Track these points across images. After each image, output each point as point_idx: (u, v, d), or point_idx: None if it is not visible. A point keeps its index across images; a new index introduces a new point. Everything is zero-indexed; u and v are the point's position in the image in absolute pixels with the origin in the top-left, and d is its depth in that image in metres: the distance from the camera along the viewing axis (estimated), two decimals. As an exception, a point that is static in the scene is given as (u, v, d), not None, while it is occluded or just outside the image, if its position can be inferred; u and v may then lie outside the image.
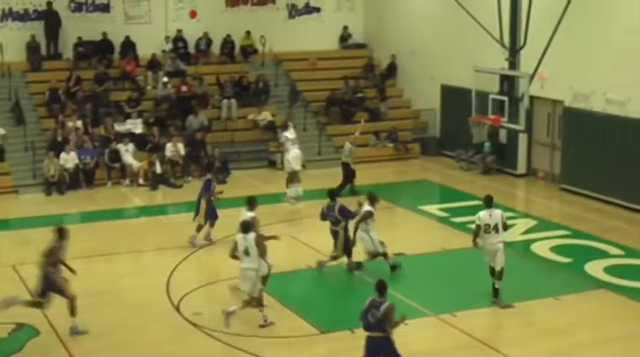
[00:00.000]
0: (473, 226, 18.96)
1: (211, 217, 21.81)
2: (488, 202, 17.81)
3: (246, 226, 16.56)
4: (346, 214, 19.44)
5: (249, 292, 16.41)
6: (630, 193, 24.72)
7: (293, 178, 25.69)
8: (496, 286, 17.68)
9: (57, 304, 18.00)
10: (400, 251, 20.37)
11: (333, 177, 29.05)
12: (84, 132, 28.99)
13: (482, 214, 17.61)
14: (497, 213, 17.68)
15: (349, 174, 26.76)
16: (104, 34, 32.47)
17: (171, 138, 28.83)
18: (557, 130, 27.92)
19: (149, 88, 32.14)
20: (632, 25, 24.51)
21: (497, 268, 17.61)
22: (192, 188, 27.54)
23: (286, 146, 26.29)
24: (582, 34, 25.79)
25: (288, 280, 19.67)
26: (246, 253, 16.37)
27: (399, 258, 19.80)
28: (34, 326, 16.58)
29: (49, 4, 31.97)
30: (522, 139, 27.95)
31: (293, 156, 25.80)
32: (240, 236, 16.55)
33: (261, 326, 16.42)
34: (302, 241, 21.78)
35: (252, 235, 16.50)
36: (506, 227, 18.00)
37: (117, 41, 32.76)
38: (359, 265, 19.48)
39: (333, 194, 20.06)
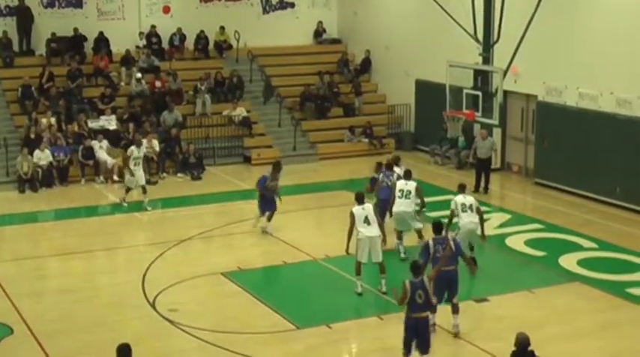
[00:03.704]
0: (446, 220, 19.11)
1: None
2: (463, 188, 19.19)
3: None
4: (458, 250, 16.27)
5: None
6: (603, 187, 24.88)
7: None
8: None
9: (31, 302, 17.97)
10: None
11: (308, 172, 29.18)
12: (57, 129, 28.82)
13: (458, 198, 18.92)
14: (470, 197, 19.10)
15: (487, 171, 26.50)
16: (75, 29, 32.29)
17: (146, 134, 28.72)
18: (530, 125, 28.06)
19: (123, 84, 32.00)
20: (604, 19, 24.67)
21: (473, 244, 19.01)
22: (166, 185, 27.56)
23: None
24: (555, 29, 25.94)
25: (264, 276, 19.68)
26: None
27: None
28: (9, 325, 16.47)
29: (21, -1, 31.82)
30: (496, 133, 28.04)
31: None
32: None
33: None
34: (277, 237, 21.77)
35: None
36: (482, 214, 19.00)
37: (90, 37, 32.60)
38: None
39: (440, 228, 16.41)
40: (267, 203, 21.97)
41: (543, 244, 21.34)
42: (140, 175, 24.74)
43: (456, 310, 15.83)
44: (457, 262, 15.96)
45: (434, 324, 15.57)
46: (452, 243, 15.85)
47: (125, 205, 24.91)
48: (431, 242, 15.93)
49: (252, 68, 33.87)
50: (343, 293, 18.18)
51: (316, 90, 33.27)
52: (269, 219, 21.97)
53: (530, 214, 24.55)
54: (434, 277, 14.80)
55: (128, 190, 25.08)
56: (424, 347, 13.94)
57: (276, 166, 22.02)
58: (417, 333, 13.88)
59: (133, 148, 25.00)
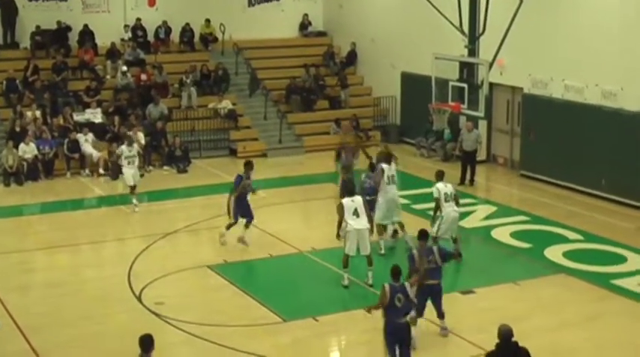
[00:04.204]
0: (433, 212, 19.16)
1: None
2: (441, 176, 19.29)
3: None
4: (446, 257, 15.81)
5: None
6: (589, 178, 24.96)
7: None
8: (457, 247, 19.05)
9: (17, 296, 17.94)
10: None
11: (294, 165, 29.16)
12: (42, 122, 28.73)
13: (439, 186, 18.98)
14: (449, 184, 19.28)
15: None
16: (59, 22, 32.16)
17: (132, 127, 28.65)
18: (516, 117, 28.12)
19: (108, 77, 31.92)
20: (589, 11, 24.73)
21: (455, 235, 19.11)
22: (152, 178, 27.51)
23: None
24: (541, 21, 25.99)
25: (250, 268, 19.66)
26: None
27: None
28: (-6, 318, 16.46)
29: (5, -8, 31.65)
30: (482, 125, 28.08)
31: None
32: None
33: None
34: (264, 230, 21.75)
35: None
36: (458, 201, 19.28)
37: (75, 30, 32.48)
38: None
39: (426, 235, 15.84)
40: (243, 207, 20.46)
41: (529, 236, 21.40)
42: (131, 174, 23.82)
43: (442, 315, 15.56)
44: (441, 275, 15.37)
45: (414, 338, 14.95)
46: (437, 255, 15.33)
47: (136, 209, 23.88)
48: (415, 252, 15.28)
49: (238, 61, 33.81)
50: (330, 286, 18.20)
51: (302, 83, 33.26)
52: (247, 226, 20.65)
53: (516, 206, 24.62)
54: (414, 284, 14.49)
55: (131, 188, 24.03)
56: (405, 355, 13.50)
57: (249, 165, 20.77)
58: (398, 339, 13.41)
59: (123, 147, 24.11)
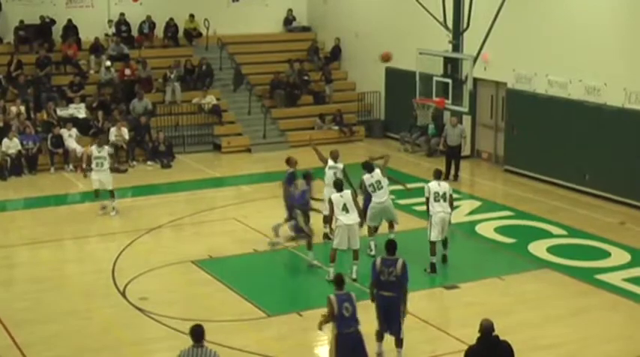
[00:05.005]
0: (418, 208, 19.16)
1: None
2: (438, 175, 18.81)
3: None
4: (406, 277, 14.29)
5: None
6: (572, 174, 25.05)
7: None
8: (434, 260, 18.43)
9: (0, 291, 17.85)
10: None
11: (278, 160, 29.05)
12: (26, 117, 28.62)
13: (432, 184, 18.52)
14: (445, 184, 18.69)
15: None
16: (42, 17, 32.03)
17: (115, 122, 28.58)
18: (500, 112, 28.18)
19: (92, 72, 31.80)
20: (573, 7, 24.80)
21: (444, 237, 18.61)
22: (136, 173, 27.46)
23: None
24: (525, 17, 26.05)
25: (235, 264, 19.64)
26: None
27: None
28: (-22, 314, 16.39)
29: (-12, -14, 31.51)
30: (466, 120, 28.13)
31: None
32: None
33: None
34: (248, 225, 21.74)
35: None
36: (452, 203, 18.67)
37: (59, 25, 32.35)
38: None
39: (393, 247, 14.49)
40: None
41: (513, 231, 21.46)
42: (98, 178, 22.80)
43: (399, 344, 14.27)
44: (400, 289, 14.09)
45: (381, 353, 14.42)
46: (399, 269, 14.00)
47: (100, 212, 23.21)
48: (378, 262, 14.13)
49: (222, 56, 33.76)
50: (314, 281, 18.21)
51: (286, 78, 33.23)
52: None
53: (500, 201, 24.69)
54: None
55: (96, 192, 23.21)
56: None
57: (309, 176, 19.39)
58: (351, 350, 12.89)
59: (93, 148, 23.20)
